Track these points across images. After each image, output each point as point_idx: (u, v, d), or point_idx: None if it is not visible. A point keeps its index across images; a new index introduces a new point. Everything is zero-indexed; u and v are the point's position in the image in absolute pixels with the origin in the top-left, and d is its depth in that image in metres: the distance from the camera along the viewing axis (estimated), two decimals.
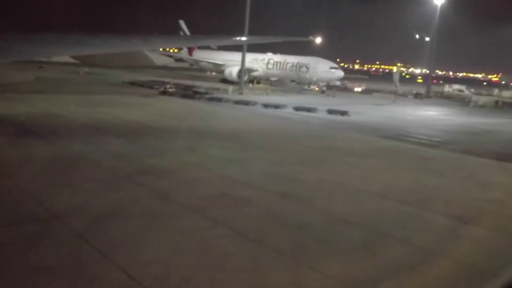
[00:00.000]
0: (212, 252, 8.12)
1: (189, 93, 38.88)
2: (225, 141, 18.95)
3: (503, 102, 54.28)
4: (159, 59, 55.01)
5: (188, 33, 69.75)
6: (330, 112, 31.76)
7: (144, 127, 21.11)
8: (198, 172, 13.72)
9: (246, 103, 34.38)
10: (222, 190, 11.94)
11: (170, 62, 59.17)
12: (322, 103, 36.82)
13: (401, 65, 56.89)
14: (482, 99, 54.32)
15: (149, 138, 18.52)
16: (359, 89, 62.65)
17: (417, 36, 79.91)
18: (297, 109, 32.33)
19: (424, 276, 7.93)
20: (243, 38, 31.83)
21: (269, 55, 58.10)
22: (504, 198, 13.34)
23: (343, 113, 31.58)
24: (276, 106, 33.07)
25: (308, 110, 31.97)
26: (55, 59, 45.84)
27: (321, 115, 30.82)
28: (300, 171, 14.80)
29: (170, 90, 38.44)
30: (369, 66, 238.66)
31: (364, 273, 7.76)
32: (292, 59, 54.13)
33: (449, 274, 8.17)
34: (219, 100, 35.20)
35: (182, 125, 22.93)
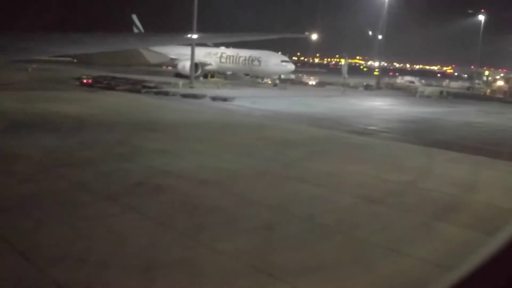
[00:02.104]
0: (112, 235, 8.44)
1: (137, 87, 38.71)
2: (159, 133, 19.20)
3: (448, 92, 56.55)
4: (153, 57, 54.33)
5: (141, 28, 69.06)
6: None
7: (81, 121, 21.05)
8: (123, 163, 13.94)
9: (194, 96, 34.64)
10: (142, 180, 12.24)
11: (165, 59, 57.53)
12: (267, 95, 37.47)
13: (349, 58, 57.96)
14: (428, 90, 56.42)
15: (83, 132, 18.52)
16: (313, 82, 63.73)
17: (370, 31, 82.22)
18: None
19: (313, 250, 8.49)
20: (244, 35, 31.39)
21: (222, 49, 58.26)
22: (416, 179, 14.19)
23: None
24: (224, 99, 33.47)
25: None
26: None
27: (261, 106, 31.49)
28: (227, 160, 15.26)
29: (113, 84, 38.44)
30: (329, 59, 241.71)
31: (257, 248, 8.27)
32: (244, 53, 54.52)
33: (340, 247, 8.78)
34: (166, 93, 35.32)
35: (119, 119, 22.94)
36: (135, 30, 68.96)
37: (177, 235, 8.74)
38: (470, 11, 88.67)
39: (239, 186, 12.32)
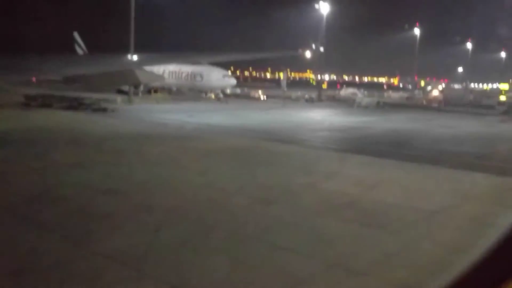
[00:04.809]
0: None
1: (74, 104, 38.33)
2: (81, 147, 19.31)
3: (384, 103, 59.06)
4: (145, 76, 52.33)
5: (83, 46, 68.24)
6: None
7: (2, 137, 20.77)
8: (33, 176, 14.03)
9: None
10: (46, 190, 12.41)
11: (157, 77, 53.94)
12: (206, 109, 37.99)
13: (288, 70, 59.48)
14: (365, 100, 58.72)
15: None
16: (264, 97, 63.82)
17: (313, 45, 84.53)
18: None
19: (190, 247, 8.97)
20: (239, 54, 31.05)
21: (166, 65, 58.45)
22: (318, 181, 14.97)
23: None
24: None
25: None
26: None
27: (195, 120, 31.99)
28: (138, 170, 15.56)
29: (49, 101, 37.92)
30: (281, 74, 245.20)
31: (134, 248, 8.66)
32: (186, 68, 55.04)
33: (218, 242, 9.28)
34: (104, 110, 35.20)
35: (45, 135, 22.72)
36: (77, 48, 68.14)
37: (59, 240, 9.01)
38: (406, 26, 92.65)
39: (139, 195, 12.59)
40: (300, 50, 66.50)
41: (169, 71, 56.87)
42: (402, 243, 9.71)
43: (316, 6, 65.74)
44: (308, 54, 68.70)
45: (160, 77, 53.58)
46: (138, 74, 48.12)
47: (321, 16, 65.48)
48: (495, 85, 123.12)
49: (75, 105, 38.05)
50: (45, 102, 37.90)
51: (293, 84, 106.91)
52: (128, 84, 46.25)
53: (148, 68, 50.91)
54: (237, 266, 8.19)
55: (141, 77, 48.22)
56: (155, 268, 7.86)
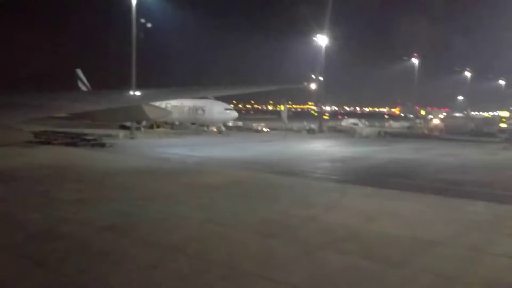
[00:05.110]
0: None
1: (76, 140, 38.65)
2: (83, 183, 19.39)
3: (385, 132, 59.26)
4: (153, 112, 52.46)
5: (86, 81, 69.36)
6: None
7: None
8: (32, 214, 14.08)
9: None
10: (46, 228, 12.45)
11: (166, 113, 52.26)
12: (208, 143, 38.21)
13: (288, 103, 59.99)
14: (366, 131, 59.02)
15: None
16: (267, 129, 63.94)
17: (313, 75, 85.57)
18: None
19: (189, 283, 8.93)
20: (246, 88, 30.70)
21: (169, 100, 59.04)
22: (319, 214, 14.88)
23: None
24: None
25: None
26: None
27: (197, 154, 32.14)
28: (139, 205, 15.56)
29: (50, 138, 38.34)
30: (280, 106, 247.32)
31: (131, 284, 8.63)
32: (188, 102, 55.65)
33: (217, 278, 9.23)
34: (102, 145, 35.42)
35: (46, 172, 22.86)
36: (80, 84, 69.23)
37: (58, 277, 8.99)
38: (405, 58, 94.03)
39: (137, 230, 12.56)
40: (305, 83, 66.99)
41: (171, 105, 57.42)
42: (401, 275, 9.62)
43: (314, 38, 66.90)
44: (312, 86, 69.40)
45: (168, 112, 53.41)
46: (146, 109, 48.23)
47: (320, 47, 66.52)
48: (496, 113, 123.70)
49: (77, 141, 38.39)
50: (48, 138, 38.25)
51: (295, 115, 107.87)
52: (136, 120, 46.52)
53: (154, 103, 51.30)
54: None
55: (149, 113, 48.33)
56: None
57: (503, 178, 25.15)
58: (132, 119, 50.03)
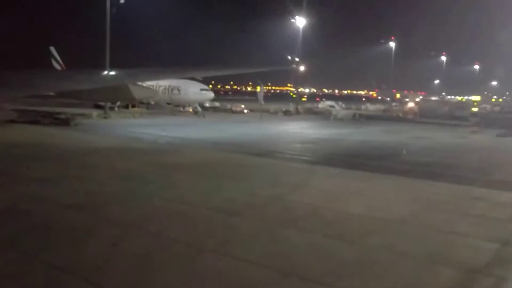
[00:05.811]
0: None
1: (39, 119, 38.18)
2: (48, 162, 19.22)
3: (360, 115, 59.89)
4: (140, 92, 51.11)
5: (60, 60, 67.85)
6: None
7: None
8: None
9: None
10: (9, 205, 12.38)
11: (151, 94, 51.33)
12: (182, 123, 38.09)
13: (268, 84, 60.04)
14: (341, 113, 59.52)
15: None
16: (246, 110, 63.33)
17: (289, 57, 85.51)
18: None
19: (149, 261, 9.08)
20: (233, 69, 30.05)
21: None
22: (285, 193, 15.15)
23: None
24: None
25: None
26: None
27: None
28: (106, 184, 15.57)
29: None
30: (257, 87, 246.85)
31: (92, 260, 8.74)
32: (163, 82, 54.94)
33: (177, 255, 9.40)
34: (67, 123, 35.21)
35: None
36: (54, 63, 67.70)
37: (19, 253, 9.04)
38: (382, 41, 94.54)
39: (100, 209, 12.60)
40: (294, 65, 66.78)
41: (146, 85, 56.69)
42: (357, 252, 9.95)
43: (292, 20, 66.74)
44: (302, 68, 69.49)
45: (155, 92, 52.21)
46: (132, 89, 47.59)
47: (298, 28, 66.46)
48: (469, 98, 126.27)
49: (50, 120, 37.86)
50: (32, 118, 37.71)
51: (273, 97, 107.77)
52: (123, 100, 45.87)
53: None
54: (193, 279, 8.31)
55: (135, 93, 47.72)
56: (111, 282, 7.95)
57: (468, 160, 25.84)
58: (119, 99, 49.27)
